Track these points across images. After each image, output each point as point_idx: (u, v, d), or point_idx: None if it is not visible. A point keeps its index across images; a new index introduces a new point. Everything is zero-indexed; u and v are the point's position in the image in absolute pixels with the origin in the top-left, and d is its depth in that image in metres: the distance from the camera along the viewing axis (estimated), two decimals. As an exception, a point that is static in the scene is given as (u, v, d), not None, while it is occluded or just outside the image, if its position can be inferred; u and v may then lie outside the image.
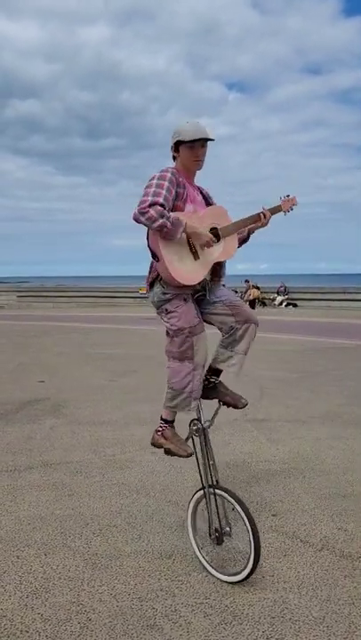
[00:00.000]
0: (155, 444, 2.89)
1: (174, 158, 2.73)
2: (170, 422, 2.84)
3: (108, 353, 10.56)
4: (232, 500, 2.60)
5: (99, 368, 8.80)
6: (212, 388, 2.87)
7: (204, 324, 2.75)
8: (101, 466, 4.25)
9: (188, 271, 2.60)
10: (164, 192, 2.51)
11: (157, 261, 2.60)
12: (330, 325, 16.39)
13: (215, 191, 2.90)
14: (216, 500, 2.71)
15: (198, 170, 2.75)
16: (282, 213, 2.99)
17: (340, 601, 2.43)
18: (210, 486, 2.74)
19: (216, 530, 2.73)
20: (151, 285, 2.71)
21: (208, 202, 2.82)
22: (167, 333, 2.72)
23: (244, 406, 2.83)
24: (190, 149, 2.64)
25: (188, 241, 2.61)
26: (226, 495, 2.64)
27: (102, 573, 2.69)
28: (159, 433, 2.85)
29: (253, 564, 2.49)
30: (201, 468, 2.76)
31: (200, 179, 2.84)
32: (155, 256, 2.62)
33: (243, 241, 2.92)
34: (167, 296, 2.65)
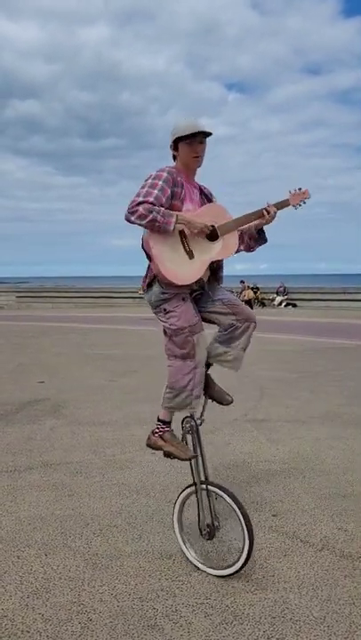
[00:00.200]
0: (151, 446, 2.86)
1: (174, 157, 2.73)
2: (168, 423, 2.82)
3: (107, 353, 10.56)
4: (225, 496, 2.63)
5: (98, 368, 8.80)
6: None
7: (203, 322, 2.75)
8: (101, 466, 4.25)
9: (183, 271, 2.59)
10: (155, 191, 2.53)
11: (151, 262, 2.62)
12: (330, 325, 16.40)
13: (215, 191, 2.89)
14: (209, 496, 2.75)
15: (198, 167, 2.74)
16: (291, 208, 2.84)
17: (341, 601, 2.44)
18: (202, 482, 2.77)
19: (208, 525, 2.76)
20: (149, 285, 2.70)
21: (209, 201, 2.79)
22: (165, 332, 2.72)
23: (229, 403, 2.84)
24: (189, 146, 2.63)
25: (182, 240, 2.60)
26: (219, 491, 2.68)
27: (103, 573, 2.69)
28: (157, 435, 2.82)
29: (246, 558, 2.55)
30: (193, 464, 2.77)
31: (201, 178, 2.84)
32: (149, 257, 2.63)
33: (257, 240, 2.83)
34: (166, 296, 2.64)
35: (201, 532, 2.80)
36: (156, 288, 2.67)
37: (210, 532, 2.77)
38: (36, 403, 6.39)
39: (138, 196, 2.51)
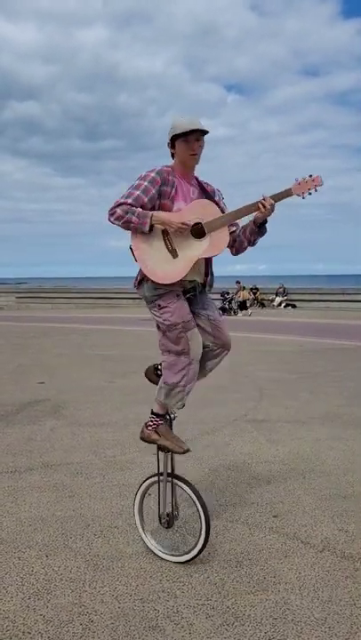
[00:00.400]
0: (145, 439, 2.87)
1: (173, 156, 2.74)
2: (162, 416, 2.83)
3: (107, 354, 10.57)
4: (189, 491, 2.75)
5: (98, 369, 8.80)
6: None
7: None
8: (102, 467, 4.25)
9: (166, 270, 2.60)
10: (137, 192, 2.59)
11: (136, 262, 2.66)
12: (329, 326, 16.40)
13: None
14: (172, 488, 2.87)
15: (195, 164, 2.73)
16: (298, 198, 2.65)
17: (342, 602, 2.44)
18: (168, 474, 2.85)
19: (168, 514, 2.87)
20: (140, 283, 2.75)
21: (211, 199, 2.74)
22: (158, 327, 2.74)
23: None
24: (185, 143, 2.63)
25: (165, 239, 2.61)
26: (182, 485, 2.79)
27: (104, 575, 2.69)
28: (151, 428, 2.83)
29: (201, 548, 2.71)
30: (161, 456, 2.83)
31: (207, 178, 2.84)
32: (135, 257, 2.67)
33: (258, 233, 2.74)
34: (159, 291, 2.66)
35: (160, 520, 2.90)
36: (146, 285, 2.70)
37: (168, 521, 2.89)
38: (36, 403, 6.39)
39: (120, 197, 2.61)
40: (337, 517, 3.31)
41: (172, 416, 2.86)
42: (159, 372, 2.88)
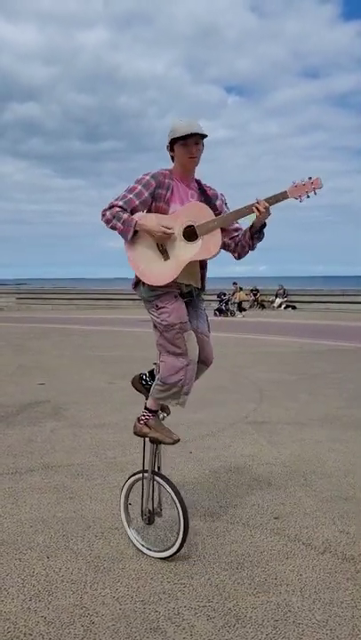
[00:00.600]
0: (138, 434, 2.92)
1: (172, 159, 2.75)
2: (154, 412, 2.88)
3: (107, 355, 10.56)
4: (169, 489, 2.81)
5: (99, 370, 8.80)
6: (148, 389, 2.92)
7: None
8: (102, 468, 4.25)
9: (157, 272, 2.62)
10: (130, 195, 2.64)
11: (128, 262, 2.70)
12: (329, 328, 16.40)
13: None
14: (153, 485, 2.92)
15: (195, 167, 2.74)
16: (295, 201, 2.57)
17: (343, 604, 2.44)
18: (153, 472, 2.90)
19: (149, 511, 2.94)
20: (136, 284, 2.77)
21: (209, 203, 2.73)
22: (155, 327, 2.75)
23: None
24: (184, 147, 2.64)
25: (157, 241, 2.63)
26: (164, 483, 2.85)
27: (105, 576, 2.69)
28: (142, 422, 2.89)
29: (180, 545, 2.76)
30: (147, 454, 2.90)
31: (207, 179, 2.85)
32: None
33: (258, 238, 2.73)
34: (157, 292, 2.68)
35: (142, 515, 2.97)
36: (143, 286, 2.73)
37: (150, 517, 2.96)
38: (36, 405, 6.39)
39: (114, 198, 2.66)
40: (338, 519, 3.31)
41: (161, 416, 2.91)
42: (144, 382, 2.95)
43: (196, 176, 2.81)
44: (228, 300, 23.45)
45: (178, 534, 2.77)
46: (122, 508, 3.05)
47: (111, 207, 2.63)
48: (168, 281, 2.63)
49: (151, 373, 2.97)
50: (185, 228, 2.62)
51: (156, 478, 2.91)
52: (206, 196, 2.77)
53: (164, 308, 2.66)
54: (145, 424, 2.88)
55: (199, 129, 2.61)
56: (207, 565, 2.78)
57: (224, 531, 3.16)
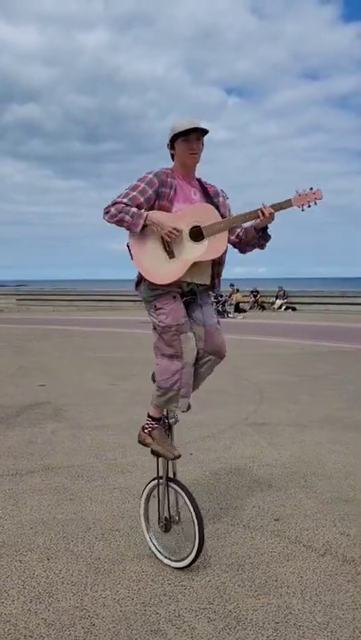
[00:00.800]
0: (141, 443, 2.90)
1: (172, 157, 2.75)
2: (157, 420, 2.85)
3: (108, 356, 10.57)
4: (184, 495, 2.74)
5: (99, 371, 8.80)
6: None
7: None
8: (103, 470, 4.25)
9: (161, 270, 2.61)
10: (133, 193, 2.62)
11: (132, 260, 2.67)
12: (329, 329, 16.40)
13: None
14: (168, 492, 2.87)
15: (196, 163, 2.74)
16: (297, 209, 2.66)
17: (344, 606, 2.43)
18: (168, 479, 2.85)
19: (165, 518, 2.89)
20: (138, 284, 2.76)
21: (212, 202, 2.74)
22: (154, 328, 2.74)
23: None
24: (185, 142, 2.64)
25: (163, 239, 2.62)
26: (179, 489, 2.79)
27: (105, 578, 2.69)
28: (146, 431, 2.86)
29: (196, 555, 2.68)
30: (161, 460, 2.84)
31: (208, 180, 2.84)
32: (131, 255, 2.67)
33: (264, 238, 2.76)
34: (157, 292, 2.66)
35: (159, 523, 2.92)
36: (143, 286, 2.72)
37: (166, 524, 2.89)
38: (37, 406, 6.39)
39: (117, 196, 2.64)
40: (339, 521, 3.30)
41: (171, 421, 2.86)
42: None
43: (197, 176, 2.81)
44: (225, 302, 23.47)
45: (193, 544, 2.68)
46: (141, 515, 2.99)
47: (115, 204, 2.61)
48: (172, 280, 2.62)
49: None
50: (191, 228, 2.63)
51: (172, 485, 2.85)
52: (208, 194, 2.78)
53: (162, 309, 2.65)
54: (149, 434, 2.84)
55: (200, 124, 2.62)
56: (208, 567, 2.78)
57: (224, 532, 3.16)
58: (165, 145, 2.75)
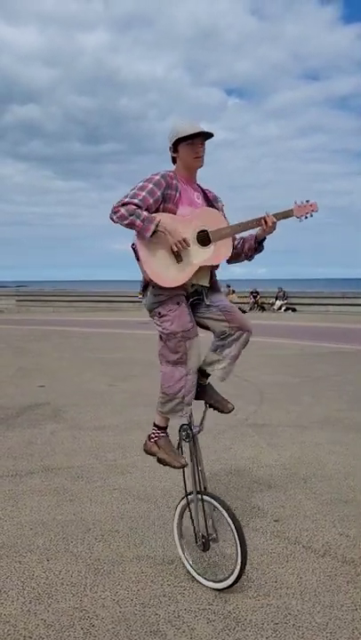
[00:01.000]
0: (147, 452, 2.84)
1: (174, 160, 2.73)
2: (163, 429, 2.80)
3: (107, 357, 10.56)
4: (220, 508, 2.58)
5: (99, 372, 8.80)
6: (200, 390, 2.81)
7: (198, 328, 2.72)
8: (103, 471, 4.25)
9: (169, 274, 2.59)
10: (143, 193, 2.55)
11: (138, 261, 2.64)
12: (329, 330, 16.40)
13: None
14: (204, 507, 2.71)
15: (200, 167, 2.73)
16: (295, 219, 2.76)
17: (344, 607, 2.43)
18: (198, 492, 2.72)
19: (203, 536, 2.73)
20: (144, 289, 2.72)
21: (212, 206, 2.76)
22: (160, 337, 2.70)
23: (230, 411, 2.77)
24: (190, 146, 2.63)
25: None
26: (213, 502, 2.63)
27: (105, 579, 2.69)
28: (152, 440, 2.81)
29: (240, 573, 2.49)
30: (189, 474, 2.73)
31: (201, 182, 2.85)
32: (137, 257, 2.64)
33: (254, 250, 2.83)
34: (160, 298, 2.63)
35: (196, 541, 2.77)
36: (150, 291, 2.67)
37: (204, 543, 2.73)
38: (36, 407, 6.39)
39: (125, 196, 2.56)
40: (338, 522, 3.30)
41: (195, 430, 2.75)
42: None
43: (197, 180, 2.82)
44: None
45: (235, 563, 2.49)
46: (175, 534, 2.83)
47: (125, 205, 2.53)
48: (180, 283, 2.61)
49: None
50: (198, 233, 2.64)
51: (206, 498, 2.68)
52: (208, 199, 2.78)
53: (166, 315, 2.62)
54: (155, 443, 2.80)
55: (205, 128, 2.62)
56: (207, 568, 2.78)
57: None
58: (167, 148, 2.72)
